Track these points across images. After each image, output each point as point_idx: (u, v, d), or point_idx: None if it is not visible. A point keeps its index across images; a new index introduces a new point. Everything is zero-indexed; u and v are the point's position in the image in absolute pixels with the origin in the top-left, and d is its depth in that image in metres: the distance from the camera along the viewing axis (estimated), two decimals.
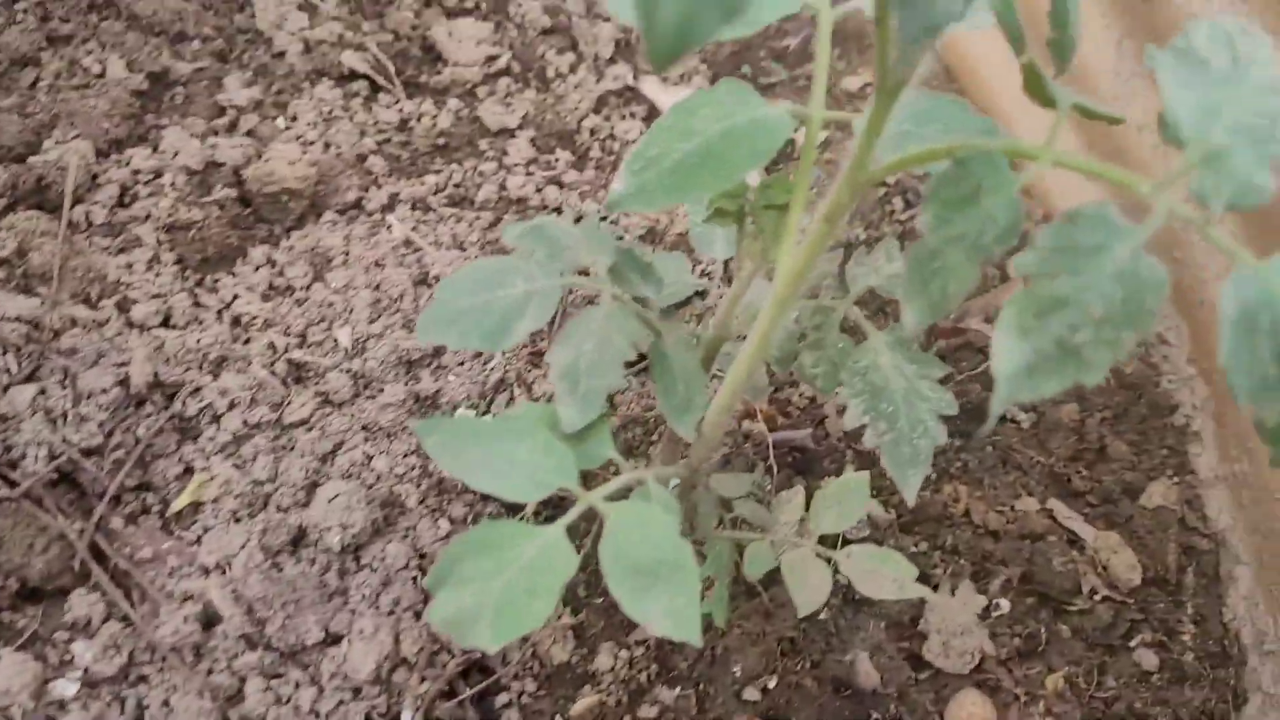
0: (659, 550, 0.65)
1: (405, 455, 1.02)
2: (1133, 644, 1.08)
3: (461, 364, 1.09)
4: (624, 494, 0.72)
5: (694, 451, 0.87)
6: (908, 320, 0.66)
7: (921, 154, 0.57)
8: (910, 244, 0.66)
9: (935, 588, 1.08)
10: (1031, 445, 1.24)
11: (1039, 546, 1.12)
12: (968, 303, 1.39)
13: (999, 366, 0.48)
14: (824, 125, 0.78)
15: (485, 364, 1.09)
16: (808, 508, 0.96)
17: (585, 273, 0.84)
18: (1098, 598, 1.10)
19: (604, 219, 1.30)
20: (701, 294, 1.09)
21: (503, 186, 1.34)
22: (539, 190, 1.35)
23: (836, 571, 0.89)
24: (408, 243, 1.22)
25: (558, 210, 1.34)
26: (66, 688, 0.86)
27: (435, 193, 1.32)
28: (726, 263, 1.19)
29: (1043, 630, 1.08)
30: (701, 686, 0.98)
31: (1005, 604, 1.09)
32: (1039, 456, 1.22)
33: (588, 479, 0.70)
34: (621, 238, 1.28)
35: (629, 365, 1.19)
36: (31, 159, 1.16)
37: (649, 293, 0.85)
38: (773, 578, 1.05)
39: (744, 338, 0.92)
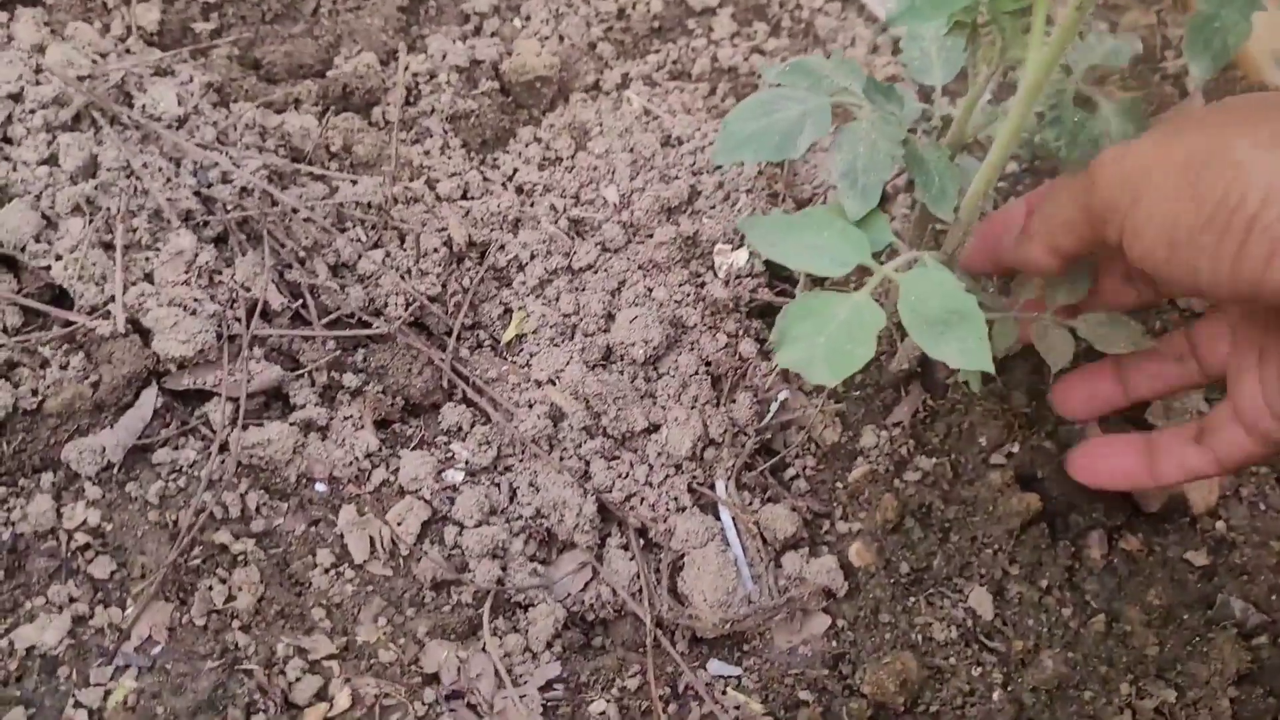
0: (949, 302, 0.79)
1: (680, 285, 1.18)
2: None
3: (713, 207, 1.24)
4: (907, 268, 0.86)
5: (950, 234, 1.00)
6: (1195, 73, 0.78)
7: None
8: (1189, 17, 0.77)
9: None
10: None
11: None
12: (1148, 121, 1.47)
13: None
14: None
15: (734, 205, 1.25)
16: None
17: (843, 90, 0.97)
18: None
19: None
20: (927, 119, 1.22)
21: (714, 59, 1.48)
22: (746, 59, 1.48)
23: (1076, 336, 1.02)
24: (647, 112, 1.38)
25: (763, 76, 1.48)
26: (456, 475, 1.06)
27: (658, 69, 1.47)
28: (944, 89, 1.31)
29: None
30: (954, 455, 1.13)
31: None
32: None
33: (875, 259, 0.85)
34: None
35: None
36: (330, 73, 1.35)
37: (894, 109, 0.98)
38: (1004, 363, 1.19)
39: (978, 141, 1.05)
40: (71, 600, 0.90)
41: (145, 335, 1.03)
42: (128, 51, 1.27)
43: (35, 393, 0.99)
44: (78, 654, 0.88)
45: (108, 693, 0.86)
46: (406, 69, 1.36)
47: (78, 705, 0.85)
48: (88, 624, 0.90)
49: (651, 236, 1.22)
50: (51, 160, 1.10)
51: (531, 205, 1.27)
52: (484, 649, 0.94)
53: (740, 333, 1.18)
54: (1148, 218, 0.68)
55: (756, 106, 0.93)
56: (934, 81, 1.08)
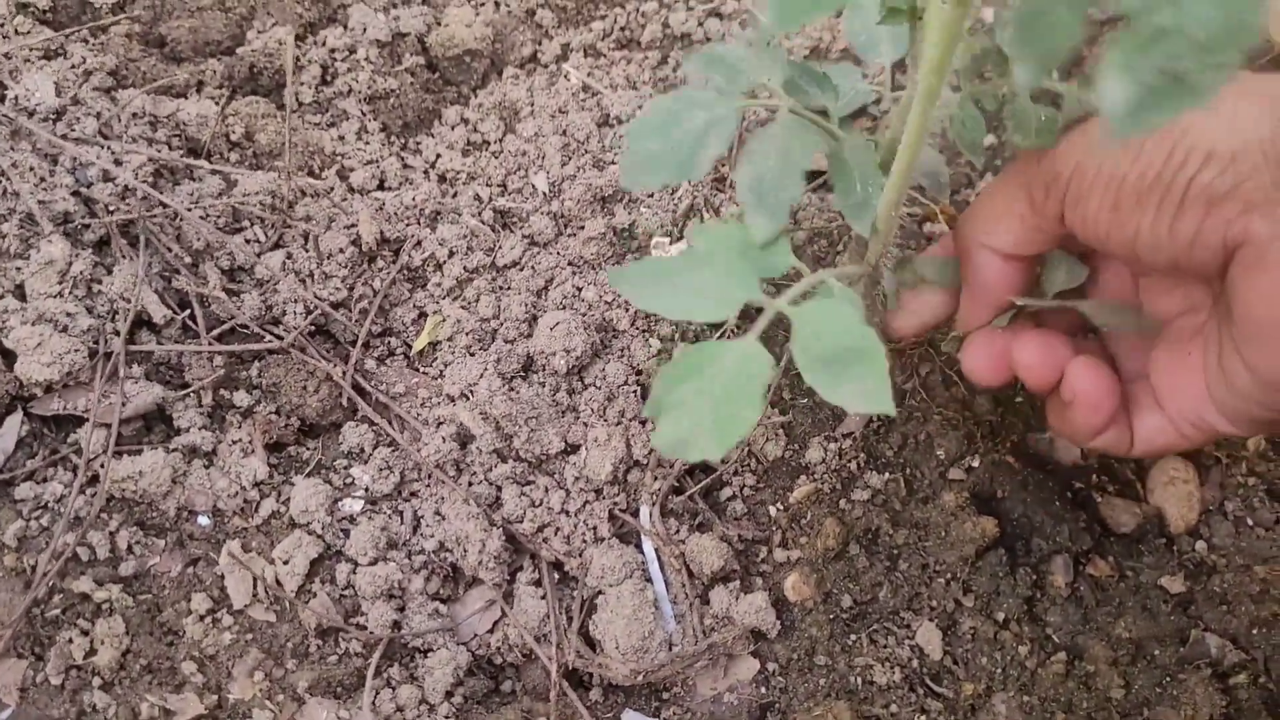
0: (845, 339, 0.66)
1: (611, 284, 1.07)
2: None
3: (651, 195, 1.12)
4: (808, 297, 0.73)
5: (871, 247, 0.88)
6: (1020, 78, 0.65)
7: None
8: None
9: None
10: None
11: None
12: None
13: (1107, 105, 0.48)
14: None
15: (673, 194, 1.12)
16: None
17: (760, 91, 0.85)
18: None
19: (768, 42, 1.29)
20: (876, 102, 1.09)
21: (665, 24, 1.34)
22: (700, 24, 1.34)
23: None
24: (585, 88, 1.25)
25: (722, 41, 1.34)
26: (353, 505, 0.95)
27: (603, 38, 1.33)
28: (894, 67, 1.17)
29: None
30: (908, 470, 1.02)
31: None
32: None
33: (778, 289, 0.72)
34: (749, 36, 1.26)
35: (811, 178, 1.20)
36: (240, 50, 1.23)
37: (826, 102, 0.85)
38: None
39: (933, 144, 0.92)
40: None
41: (9, 357, 0.93)
42: (14, 32, 1.15)
43: None
44: None
45: None
46: (323, 44, 1.24)
47: None
48: None
49: (583, 229, 1.10)
50: None
51: (454, 196, 1.15)
52: (369, 706, 0.84)
53: (676, 337, 1.06)
54: (1093, 182, 0.66)
55: (661, 117, 0.79)
56: (883, 59, 0.95)
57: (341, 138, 1.18)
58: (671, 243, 1.10)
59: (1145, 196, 0.63)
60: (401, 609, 0.91)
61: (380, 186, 1.15)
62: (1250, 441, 1.04)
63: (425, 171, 1.18)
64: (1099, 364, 0.77)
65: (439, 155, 1.19)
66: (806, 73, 0.86)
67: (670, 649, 0.90)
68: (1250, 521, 1.01)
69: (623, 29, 1.34)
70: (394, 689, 0.87)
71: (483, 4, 1.32)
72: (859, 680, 0.92)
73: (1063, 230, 0.72)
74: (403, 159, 1.18)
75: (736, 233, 0.74)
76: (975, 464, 1.02)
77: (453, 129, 1.21)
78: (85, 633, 0.85)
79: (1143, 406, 0.78)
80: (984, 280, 0.79)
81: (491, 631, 0.92)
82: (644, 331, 1.06)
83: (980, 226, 0.78)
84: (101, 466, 0.91)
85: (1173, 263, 0.65)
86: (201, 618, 0.88)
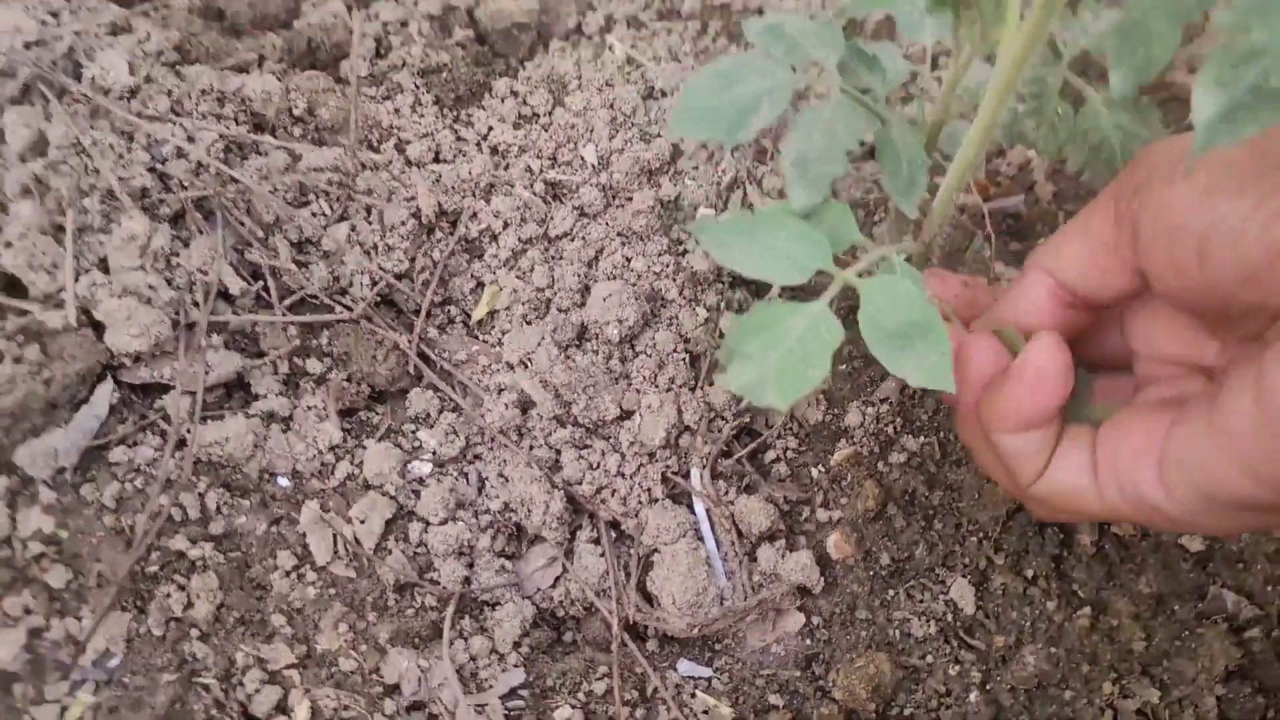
0: (910, 314, 0.70)
1: (659, 255, 1.10)
2: None
3: (696, 168, 1.15)
4: (871, 271, 0.77)
5: (925, 228, 0.91)
6: (1115, 85, 0.69)
7: None
8: (1115, 21, 0.68)
9: None
10: None
11: None
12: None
13: (1198, 116, 0.52)
14: None
15: (717, 166, 1.15)
16: None
17: (814, 66, 0.87)
18: None
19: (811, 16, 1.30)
20: (913, 79, 1.11)
21: None
22: None
23: None
24: (630, 60, 1.27)
25: (759, 11, 1.36)
26: (421, 468, 1.00)
27: (645, 8, 1.35)
28: (933, 48, 1.19)
29: None
30: (942, 434, 1.06)
31: None
32: None
33: (837, 261, 0.76)
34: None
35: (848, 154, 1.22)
36: (296, 23, 1.25)
37: (874, 83, 0.88)
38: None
39: (964, 118, 0.95)
40: (27, 612, 0.87)
41: (98, 328, 0.97)
42: (81, 8, 1.18)
43: None
44: (34, 669, 0.85)
45: (64, 709, 0.84)
46: (376, 17, 1.26)
47: None
48: (44, 636, 0.86)
49: (631, 200, 1.14)
50: None
51: (506, 168, 1.18)
52: (446, 656, 0.90)
53: (721, 306, 1.10)
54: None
55: (718, 78, 0.83)
56: (924, 39, 0.97)
57: (397, 111, 1.21)
58: (716, 214, 1.14)
59: (1248, 183, 0.55)
60: (470, 565, 0.96)
61: (436, 159, 1.18)
62: None
63: (478, 144, 1.21)
64: (1065, 348, 0.69)
65: (491, 128, 1.22)
66: (857, 53, 0.89)
67: (722, 604, 0.95)
68: None
69: None
70: (466, 640, 0.93)
71: None
72: (897, 633, 0.97)
73: (1135, 267, 0.65)
74: (456, 131, 1.21)
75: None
76: None
77: (503, 102, 1.24)
78: (182, 588, 0.90)
79: (1071, 449, 0.70)
80: (1028, 305, 0.73)
81: (554, 586, 0.98)
82: (691, 301, 1.09)
83: (1049, 245, 0.72)
84: (188, 432, 0.96)
85: (1226, 285, 0.57)
86: (287, 573, 0.93)
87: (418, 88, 1.23)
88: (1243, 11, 0.52)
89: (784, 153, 0.79)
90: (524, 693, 0.91)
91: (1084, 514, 0.71)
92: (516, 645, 0.94)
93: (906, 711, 0.93)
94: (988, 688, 0.95)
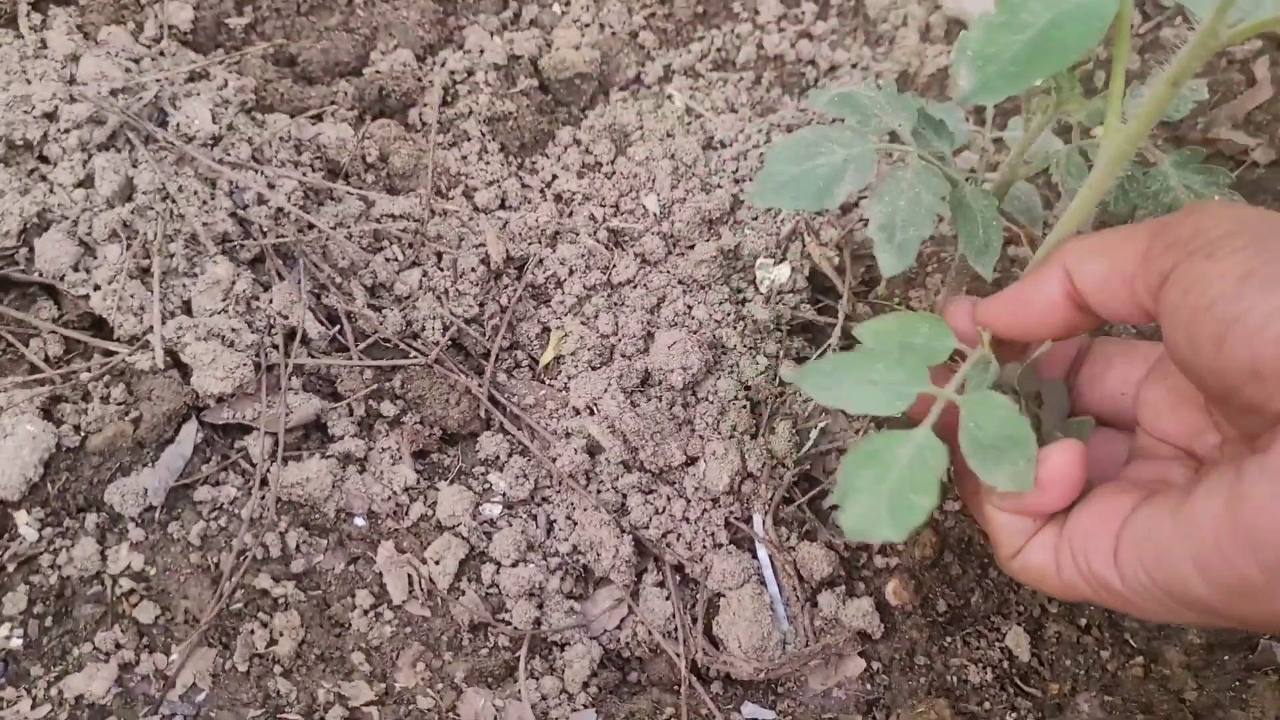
0: (1005, 429, 0.71)
1: (720, 303, 1.13)
2: None
3: (756, 219, 1.18)
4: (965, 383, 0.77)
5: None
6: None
7: (1266, 23, 0.62)
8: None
9: None
10: None
11: None
12: (1213, 111, 1.38)
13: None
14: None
15: (776, 217, 1.18)
16: None
17: (891, 134, 0.90)
18: None
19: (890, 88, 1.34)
20: (972, 142, 1.14)
21: (760, 46, 1.40)
22: (793, 45, 1.40)
23: None
24: (689, 110, 1.30)
25: (811, 63, 1.39)
26: (492, 510, 1.03)
27: (701, 58, 1.39)
28: (996, 109, 1.22)
29: None
30: None
31: None
32: None
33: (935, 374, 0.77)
34: (879, 82, 1.32)
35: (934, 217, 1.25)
36: (365, 71, 1.29)
37: (943, 147, 0.91)
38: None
39: (1029, 180, 0.98)
40: (118, 647, 0.90)
41: (184, 370, 1.01)
42: (161, 54, 1.22)
43: (78, 429, 0.98)
44: (125, 702, 0.88)
45: None
46: (443, 65, 1.30)
47: None
48: (134, 671, 0.89)
49: (693, 249, 1.17)
50: (87, 182, 1.06)
51: (570, 215, 1.21)
52: (519, 695, 0.92)
53: (781, 354, 1.13)
54: (1225, 233, 0.59)
55: (799, 147, 0.86)
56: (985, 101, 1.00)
57: (464, 158, 1.24)
58: (775, 264, 1.17)
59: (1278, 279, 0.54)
60: (540, 606, 0.99)
61: (502, 206, 1.21)
62: None
63: (542, 191, 1.24)
64: (1083, 450, 0.69)
65: (555, 176, 1.25)
66: (927, 119, 0.92)
67: (785, 648, 0.97)
68: None
69: (719, 50, 1.40)
70: (538, 679, 0.96)
71: (588, 25, 1.38)
72: (955, 679, 1.00)
73: (1145, 309, 0.65)
74: (521, 179, 1.25)
75: (899, 325, 0.78)
76: None
77: (566, 150, 1.28)
78: (265, 625, 0.93)
79: (1045, 528, 0.72)
80: (1043, 298, 0.73)
81: (619, 628, 1.00)
82: (751, 349, 1.12)
83: (1079, 248, 0.72)
84: (269, 472, 0.99)
85: (1236, 375, 0.56)
86: (365, 612, 0.96)
87: (484, 135, 1.26)
88: None
89: (870, 218, 0.82)
90: None
91: (1046, 589, 0.71)
92: (585, 685, 0.96)
93: None
94: None
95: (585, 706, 0.94)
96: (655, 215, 1.19)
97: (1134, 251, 0.66)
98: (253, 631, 0.92)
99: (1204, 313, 0.57)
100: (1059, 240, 0.83)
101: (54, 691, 0.87)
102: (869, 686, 0.98)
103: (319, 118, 1.22)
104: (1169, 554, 0.59)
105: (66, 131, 1.07)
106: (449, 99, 1.29)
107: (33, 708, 0.86)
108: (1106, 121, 0.72)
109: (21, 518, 0.93)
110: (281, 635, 0.92)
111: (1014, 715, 0.98)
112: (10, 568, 0.91)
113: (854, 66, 1.39)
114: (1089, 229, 0.92)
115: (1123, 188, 0.89)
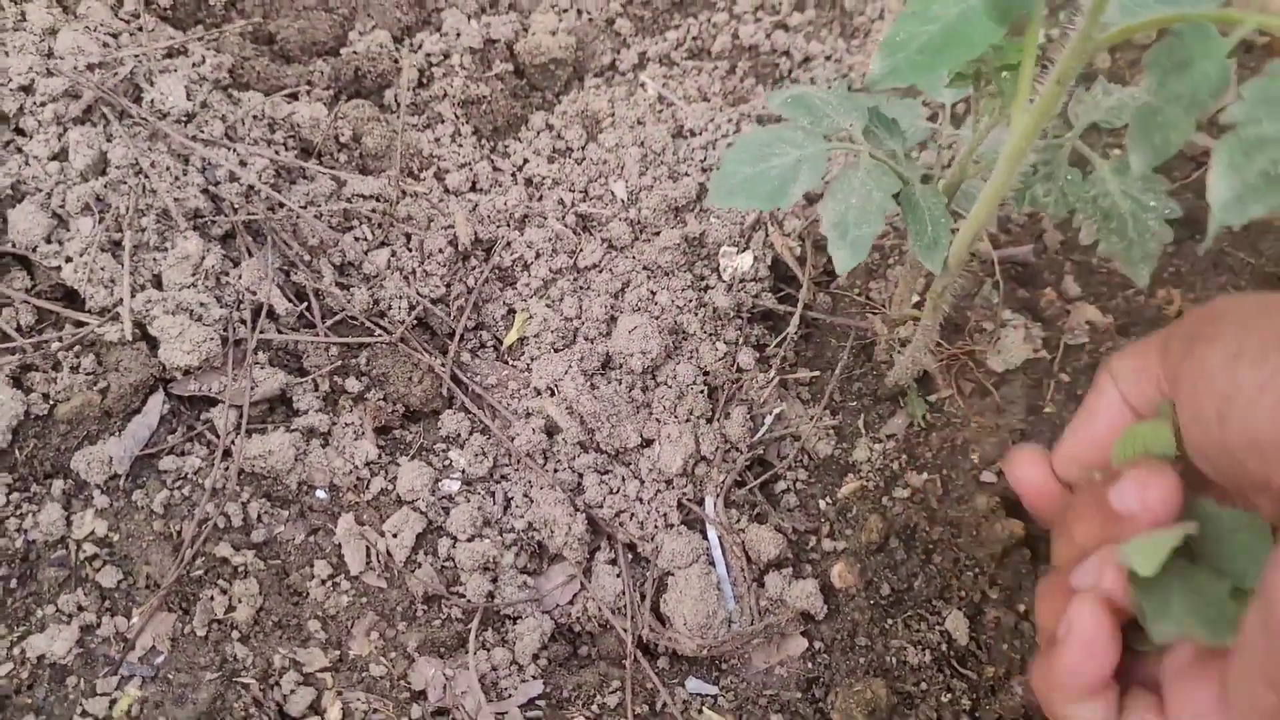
0: None
1: (683, 289, 1.15)
2: None
3: (724, 209, 1.21)
4: None
5: (938, 281, 0.97)
6: (1135, 165, 0.74)
7: (1141, 24, 0.65)
8: (1134, 104, 0.73)
9: None
10: (1243, 247, 1.27)
11: None
12: None
13: (1214, 197, 0.57)
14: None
15: (740, 209, 1.20)
16: None
17: (842, 134, 0.93)
18: None
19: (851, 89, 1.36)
20: (932, 137, 1.16)
21: (735, 35, 1.41)
22: (768, 36, 1.41)
23: None
24: (661, 99, 1.32)
25: (786, 54, 1.41)
26: (451, 485, 1.06)
27: (677, 47, 1.40)
28: (953, 106, 1.24)
29: None
30: (945, 471, 1.11)
31: None
32: (1249, 258, 1.26)
33: None
34: (849, 84, 1.34)
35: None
36: (343, 51, 1.31)
37: (896, 146, 0.93)
38: (1003, 377, 1.17)
39: (980, 178, 1.01)
40: (80, 609, 0.93)
41: (152, 342, 1.03)
42: (140, 30, 1.23)
43: (47, 398, 1.00)
44: (85, 663, 0.91)
45: (113, 702, 0.89)
46: (419, 48, 1.31)
47: (84, 714, 0.88)
48: (95, 633, 0.92)
49: (659, 235, 1.19)
50: (61, 155, 1.08)
51: (540, 200, 1.23)
52: (469, 666, 0.95)
53: (740, 341, 1.15)
54: (1230, 323, 0.60)
55: (754, 148, 0.88)
56: (944, 99, 1.03)
57: (437, 140, 1.26)
58: (738, 252, 1.19)
59: (1270, 352, 0.55)
60: (494, 580, 1.02)
61: (473, 188, 1.23)
62: None
63: (513, 175, 1.26)
64: (1108, 613, 0.65)
65: (526, 160, 1.27)
66: (879, 118, 0.94)
67: (730, 627, 1.00)
68: None
69: (695, 39, 1.41)
70: (489, 650, 0.99)
71: (565, 10, 1.39)
72: (894, 660, 1.02)
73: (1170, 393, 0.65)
74: (493, 162, 1.27)
75: None
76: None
77: (538, 135, 1.30)
78: (224, 591, 0.96)
79: (1135, 712, 0.67)
80: (1102, 404, 0.72)
81: (571, 603, 1.03)
82: (711, 335, 1.15)
83: (1116, 357, 0.72)
84: (233, 444, 1.01)
85: (1239, 450, 0.57)
86: (323, 581, 0.99)
87: (458, 118, 1.28)
88: (1253, 104, 0.58)
89: (824, 217, 0.85)
90: (541, 703, 0.96)
91: None
92: (535, 658, 0.99)
93: None
94: (977, 715, 1.00)
95: (534, 678, 0.97)
96: (623, 201, 1.22)
97: (1155, 346, 0.68)
98: (212, 598, 0.95)
99: (1206, 392, 0.59)
100: (971, 233, 0.85)
101: (16, 651, 0.90)
102: (810, 665, 1.01)
103: (294, 96, 1.24)
104: (1245, 685, 0.56)
105: (42, 105, 1.09)
106: (424, 81, 1.31)
107: None
108: (1012, 119, 0.74)
109: None
110: (240, 602, 0.95)
111: (949, 696, 1.01)
112: None
113: (827, 59, 1.41)
114: (992, 224, 0.95)
115: (1063, 191, 0.91)
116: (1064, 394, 1.17)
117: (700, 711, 0.98)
